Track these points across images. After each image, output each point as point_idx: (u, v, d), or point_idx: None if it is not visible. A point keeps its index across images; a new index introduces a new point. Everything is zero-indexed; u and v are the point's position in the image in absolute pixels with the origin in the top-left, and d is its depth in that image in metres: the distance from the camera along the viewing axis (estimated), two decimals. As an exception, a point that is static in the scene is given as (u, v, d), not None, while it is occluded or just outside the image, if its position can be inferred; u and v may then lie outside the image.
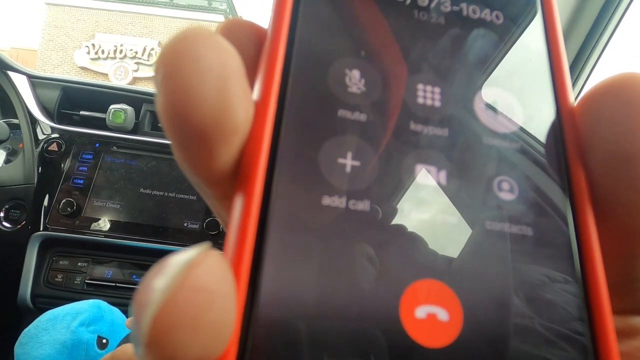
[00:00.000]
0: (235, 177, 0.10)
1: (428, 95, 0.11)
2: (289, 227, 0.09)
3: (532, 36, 0.12)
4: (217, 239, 0.78)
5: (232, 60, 0.09)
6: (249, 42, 0.11)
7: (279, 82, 0.10)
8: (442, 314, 0.09)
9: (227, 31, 0.11)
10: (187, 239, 0.78)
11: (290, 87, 0.10)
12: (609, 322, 0.10)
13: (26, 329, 0.61)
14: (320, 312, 0.09)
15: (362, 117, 0.11)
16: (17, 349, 0.59)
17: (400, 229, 0.10)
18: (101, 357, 0.51)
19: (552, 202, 0.11)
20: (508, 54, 0.12)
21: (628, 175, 0.10)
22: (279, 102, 0.10)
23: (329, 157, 0.10)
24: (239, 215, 0.09)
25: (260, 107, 0.10)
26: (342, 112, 0.11)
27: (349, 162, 0.10)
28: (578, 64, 0.71)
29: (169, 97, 0.09)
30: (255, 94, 0.10)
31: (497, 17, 0.13)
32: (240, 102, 0.09)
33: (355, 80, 0.11)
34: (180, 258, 0.08)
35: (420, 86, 0.11)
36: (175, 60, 0.09)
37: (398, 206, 0.10)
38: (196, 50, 0.09)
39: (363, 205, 0.10)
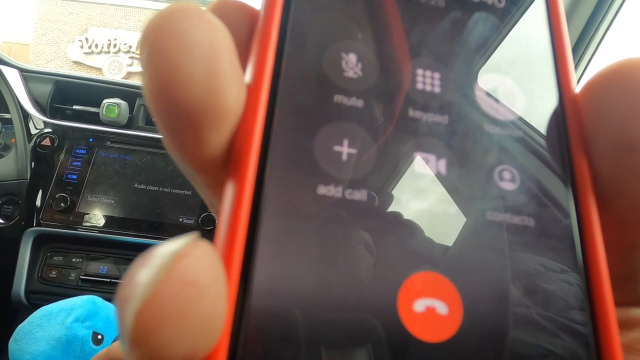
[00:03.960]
0: (227, 164, 0.10)
1: (427, 81, 0.11)
2: (282, 217, 0.09)
3: (535, 20, 0.12)
4: (212, 234, 0.78)
5: (222, 39, 0.09)
6: (240, 22, 0.11)
7: (272, 65, 0.10)
8: (441, 307, 0.09)
9: (218, 11, 0.11)
10: (182, 235, 0.77)
11: (284, 70, 0.10)
12: (612, 314, 0.09)
13: (20, 325, 0.60)
14: (316, 305, 0.09)
15: (359, 103, 0.10)
16: (12, 345, 0.59)
17: (399, 219, 0.10)
18: (96, 353, 0.51)
19: (555, 192, 0.11)
20: (510, 39, 0.12)
21: (632, 165, 0.10)
22: (272, 86, 0.10)
23: (324, 145, 0.10)
24: (230, 204, 0.09)
25: (252, 90, 0.10)
26: (338, 98, 0.10)
27: (345, 149, 0.10)
28: (578, 51, 0.71)
29: (154, 77, 0.08)
30: (247, 76, 0.10)
31: (499, 0, 0.12)
32: (231, 84, 0.09)
33: (351, 64, 0.11)
34: (166, 249, 0.07)
35: (419, 71, 0.11)
36: (160, 37, 0.08)
37: (396, 196, 0.10)
38: (184, 26, 0.08)
39: (360, 195, 0.10)
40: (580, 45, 0.70)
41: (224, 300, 0.08)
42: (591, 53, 0.71)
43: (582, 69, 0.73)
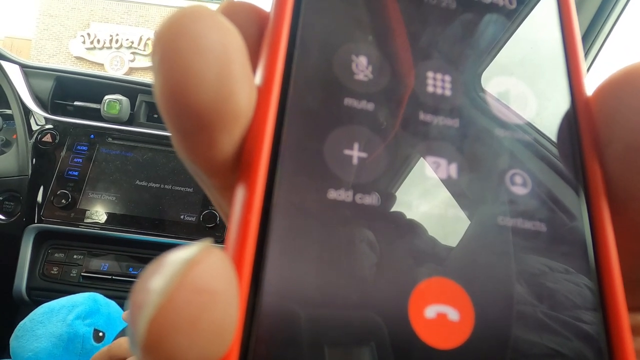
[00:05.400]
0: (237, 167, 0.09)
1: (438, 83, 0.11)
2: (293, 222, 0.09)
3: (546, 23, 0.12)
4: (214, 231, 0.78)
5: (234, 41, 0.09)
6: (250, 24, 0.11)
7: (282, 68, 0.10)
8: (453, 314, 0.09)
9: (228, 12, 0.10)
10: (184, 232, 0.77)
11: (294, 73, 0.10)
12: (625, 320, 0.09)
13: (22, 322, 0.60)
14: (327, 311, 0.08)
15: (370, 106, 0.10)
16: (13, 342, 0.59)
17: (409, 224, 0.10)
18: (98, 351, 0.51)
19: (567, 197, 0.10)
20: (521, 41, 0.12)
21: None
22: (282, 88, 0.10)
23: (335, 148, 0.10)
24: (241, 209, 0.09)
25: (263, 92, 0.10)
26: (348, 101, 0.10)
27: (355, 153, 0.10)
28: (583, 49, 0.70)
29: (166, 79, 0.08)
30: (257, 79, 0.10)
31: (510, 1, 0.12)
32: (243, 86, 0.09)
33: (362, 67, 0.11)
34: (180, 256, 0.07)
35: (430, 74, 0.11)
36: (173, 39, 0.08)
37: (407, 201, 0.10)
38: (196, 29, 0.08)
39: (371, 199, 0.10)
40: (585, 44, 0.70)
41: (236, 307, 0.08)
42: (596, 51, 0.71)
43: (587, 68, 0.73)
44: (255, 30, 0.11)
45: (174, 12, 0.08)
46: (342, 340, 0.08)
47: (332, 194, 0.09)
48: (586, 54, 0.72)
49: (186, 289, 0.07)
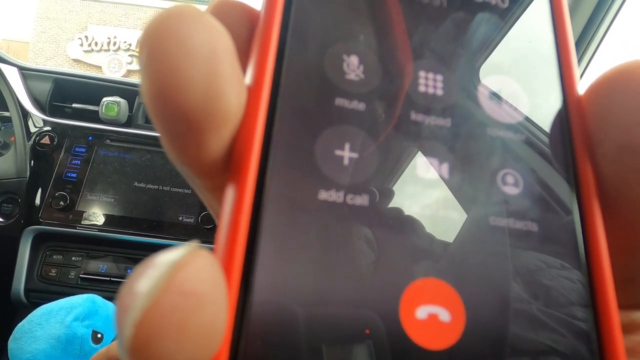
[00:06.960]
0: (227, 168, 0.09)
1: (430, 83, 0.11)
2: (283, 223, 0.09)
3: (539, 22, 0.12)
4: (212, 233, 0.77)
5: (222, 41, 0.08)
6: (240, 23, 0.11)
7: (272, 67, 0.10)
8: (444, 315, 0.09)
9: (217, 11, 0.10)
10: (182, 233, 0.77)
11: (285, 72, 0.10)
12: (615, 318, 0.09)
13: (20, 324, 0.60)
14: (317, 314, 0.08)
15: (361, 106, 0.10)
16: (11, 344, 0.59)
17: (401, 225, 0.10)
18: (96, 352, 0.51)
19: (558, 197, 0.10)
20: (513, 40, 0.12)
21: (637, 168, 0.10)
22: (272, 88, 0.10)
23: (326, 149, 0.10)
24: (230, 210, 0.09)
25: (252, 93, 0.10)
26: (339, 101, 0.10)
27: (346, 154, 0.10)
28: (579, 50, 0.70)
29: (154, 81, 0.08)
30: (247, 79, 0.10)
31: (502, 0, 0.12)
32: (232, 87, 0.09)
33: (353, 66, 0.10)
34: (166, 258, 0.07)
35: (421, 73, 0.11)
36: (160, 40, 0.08)
37: (398, 201, 0.10)
38: (183, 29, 0.08)
39: (362, 201, 0.10)
40: (581, 45, 0.70)
41: (225, 310, 0.08)
42: (592, 52, 0.71)
43: (583, 69, 0.73)
44: (245, 30, 0.11)
45: (160, 12, 0.08)
46: (333, 342, 0.08)
47: (323, 195, 0.09)
48: (581, 57, 0.71)
49: (172, 292, 0.07)
